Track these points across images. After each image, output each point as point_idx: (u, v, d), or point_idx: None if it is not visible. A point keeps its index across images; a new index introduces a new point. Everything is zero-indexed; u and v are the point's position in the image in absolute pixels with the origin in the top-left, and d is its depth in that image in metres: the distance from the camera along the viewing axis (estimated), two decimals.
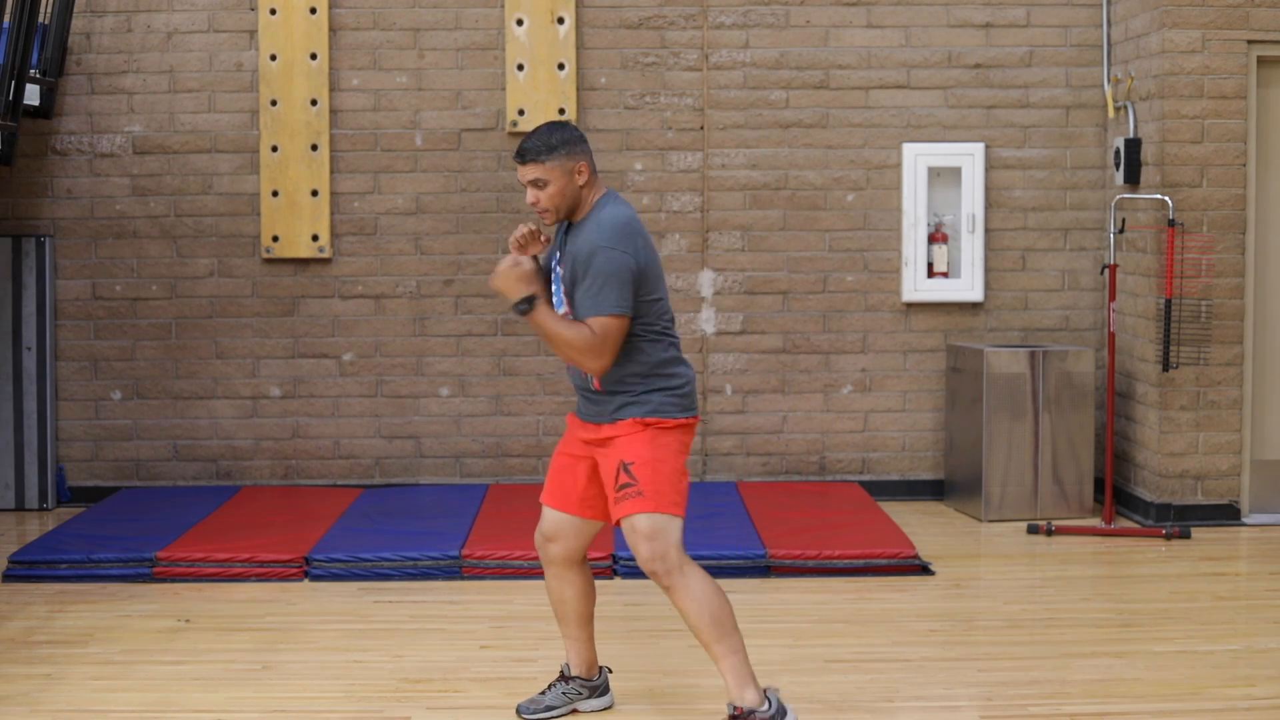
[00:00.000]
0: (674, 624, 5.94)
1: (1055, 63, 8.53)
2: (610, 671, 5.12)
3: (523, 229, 4.67)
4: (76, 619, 6.17)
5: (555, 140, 4.60)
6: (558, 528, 4.82)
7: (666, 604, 6.25)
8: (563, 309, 4.68)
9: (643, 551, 4.56)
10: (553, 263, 4.76)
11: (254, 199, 8.47)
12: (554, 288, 4.73)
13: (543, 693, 4.99)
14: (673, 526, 4.58)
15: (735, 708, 4.56)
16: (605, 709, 5.01)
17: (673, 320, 4.75)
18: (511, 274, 4.57)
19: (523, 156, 4.61)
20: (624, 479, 4.58)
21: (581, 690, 4.97)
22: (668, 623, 6.03)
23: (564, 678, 4.98)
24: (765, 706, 4.56)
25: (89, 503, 8.39)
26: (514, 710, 5.00)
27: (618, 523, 4.65)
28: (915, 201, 8.50)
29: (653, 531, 4.55)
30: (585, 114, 8.45)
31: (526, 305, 4.55)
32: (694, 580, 4.56)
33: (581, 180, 4.64)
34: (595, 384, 4.66)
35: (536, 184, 4.61)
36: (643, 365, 4.64)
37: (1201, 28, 7.67)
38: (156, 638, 5.90)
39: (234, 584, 6.72)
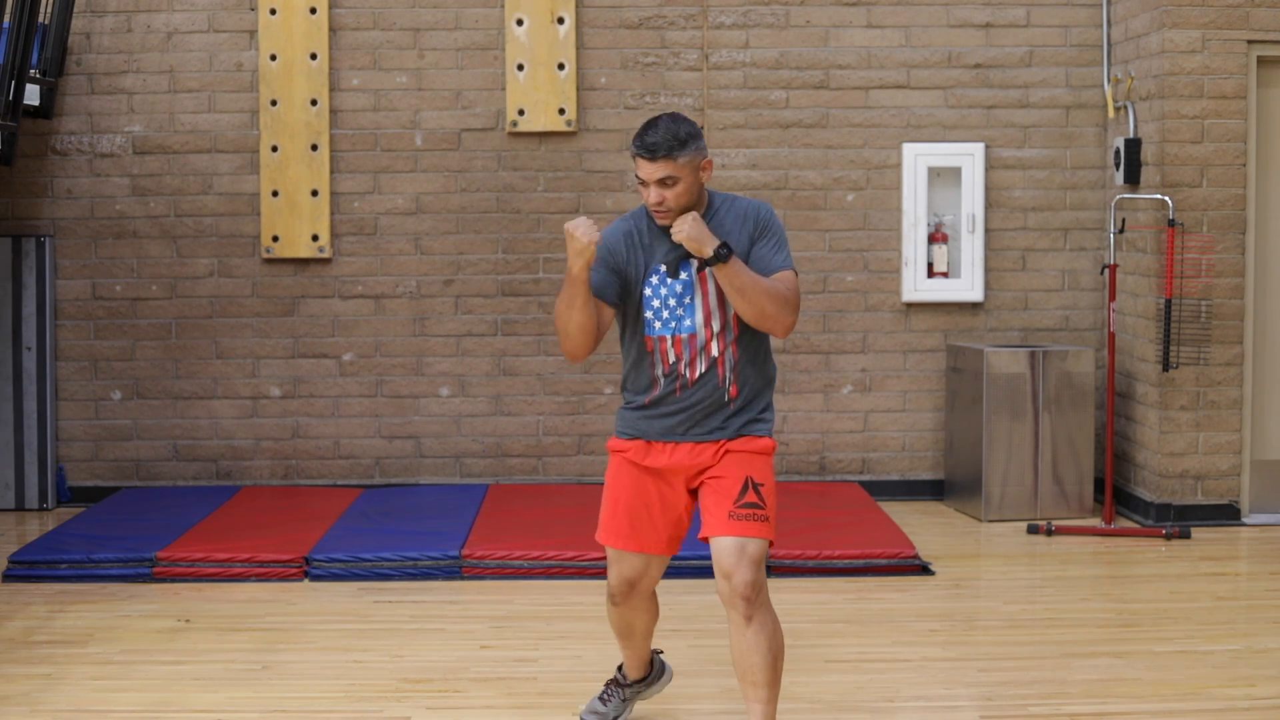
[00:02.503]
0: (674, 624, 5.95)
1: (1055, 63, 8.53)
2: (662, 653, 5.01)
3: (591, 230, 4.22)
4: (76, 619, 6.17)
5: (684, 134, 4.25)
6: (644, 571, 4.50)
7: (666, 604, 6.25)
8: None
9: (747, 576, 4.24)
10: (682, 262, 4.35)
11: (254, 199, 8.47)
12: (688, 293, 4.37)
13: (604, 701, 4.84)
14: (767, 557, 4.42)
15: None
16: (669, 683, 4.98)
17: None
18: (691, 218, 4.19)
19: (653, 152, 4.23)
20: (753, 498, 4.29)
21: (638, 689, 4.89)
22: (668, 623, 6.02)
23: (620, 684, 4.85)
24: None
25: (89, 503, 8.39)
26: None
27: (712, 533, 4.32)
28: (915, 201, 8.50)
29: (761, 558, 4.29)
30: (585, 114, 8.45)
31: (727, 250, 4.16)
32: (773, 616, 4.32)
33: (706, 176, 4.33)
34: (732, 392, 4.38)
35: (665, 182, 4.25)
36: (771, 373, 4.46)
37: (1201, 28, 7.67)
38: (156, 638, 5.90)
39: (234, 584, 6.72)
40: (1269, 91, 7.83)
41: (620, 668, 4.90)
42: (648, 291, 4.39)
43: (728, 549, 4.28)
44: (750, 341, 4.40)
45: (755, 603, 4.25)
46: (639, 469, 4.45)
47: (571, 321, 4.30)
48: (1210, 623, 6.14)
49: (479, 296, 8.49)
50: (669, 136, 4.24)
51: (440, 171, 8.50)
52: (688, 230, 4.21)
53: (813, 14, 8.49)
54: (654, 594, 4.66)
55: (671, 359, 4.39)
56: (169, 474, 8.54)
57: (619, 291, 4.40)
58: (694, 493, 4.49)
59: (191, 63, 8.44)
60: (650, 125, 4.29)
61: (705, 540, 4.38)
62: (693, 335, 4.37)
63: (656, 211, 4.31)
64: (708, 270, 4.32)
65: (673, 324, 4.38)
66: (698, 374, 4.37)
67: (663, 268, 4.36)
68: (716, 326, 4.36)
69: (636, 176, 4.31)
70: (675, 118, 4.30)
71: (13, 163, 8.06)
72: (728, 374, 4.37)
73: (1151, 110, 7.86)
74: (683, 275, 4.36)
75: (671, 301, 4.37)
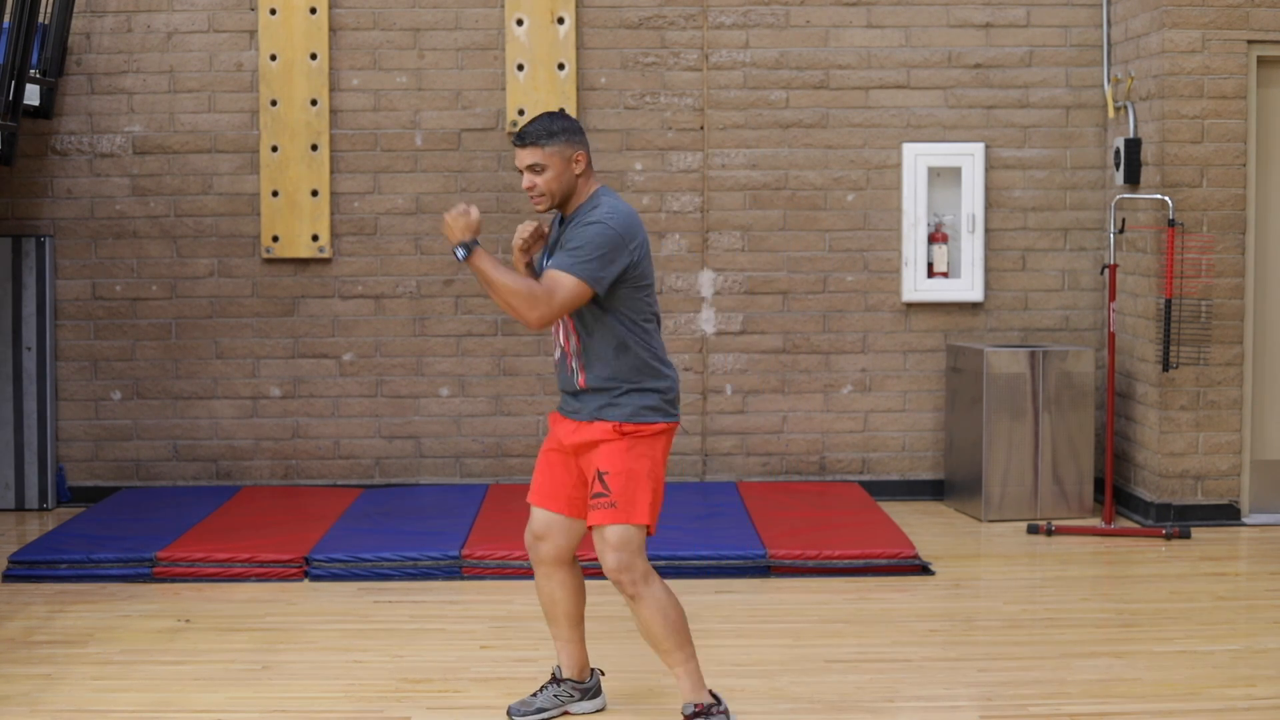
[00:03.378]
0: None
1: (1055, 63, 8.53)
2: (603, 674, 5.12)
3: (529, 227, 4.71)
4: (76, 619, 6.17)
5: (556, 127, 4.64)
6: (547, 527, 4.83)
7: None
8: None
9: (609, 561, 4.62)
10: (544, 259, 4.76)
11: (254, 199, 8.47)
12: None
13: (534, 694, 4.98)
14: (639, 537, 4.64)
15: (695, 705, 4.70)
16: (597, 711, 5.01)
17: (660, 323, 4.77)
18: (460, 220, 4.59)
19: (522, 140, 4.64)
20: (598, 488, 4.64)
21: (573, 693, 4.97)
22: None
23: (556, 680, 4.97)
24: (718, 703, 4.74)
25: (89, 503, 8.39)
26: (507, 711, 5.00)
27: (590, 529, 4.71)
28: (915, 201, 8.50)
29: (620, 543, 4.61)
30: (585, 114, 8.45)
31: (466, 250, 4.56)
32: (658, 590, 4.66)
33: (578, 169, 4.67)
34: (580, 382, 4.69)
35: (534, 169, 4.65)
36: (628, 367, 4.67)
37: (1201, 28, 7.67)
38: (156, 638, 5.90)
39: (234, 584, 6.72)
40: (1269, 91, 7.83)
41: (555, 666, 5.00)
42: None
43: (594, 541, 4.69)
44: (599, 332, 4.66)
45: (632, 582, 4.62)
46: (552, 434, 4.84)
47: (495, 297, 4.69)
48: (1210, 623, 6.14)
49: (479, 296, 8.49)
50: (539, 128, 4.64)
51: (440, 171, 8.50)
52: (444, 226, 4.65)
53: (813, 14, 8.49)
54: (574, 569, 4.89)
55: (557, 341, 4.81)
56: (169, 474, 8.54)
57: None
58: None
59: (191, 63, 8.44)
60: (532, 118, 4.73)
61: None
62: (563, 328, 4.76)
63: (531, 197, 4.70)
64: (549, 261, 4.67)
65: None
66: (557, 357, 4.81)
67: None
68: (564, 316, 4.68)
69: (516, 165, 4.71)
70: (554, 114, 4.72)
71: (13, 163, 8.06)
72: (574, 361, 4.72)
73: (1151, 110, 7.86)
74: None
75: None
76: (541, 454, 4.88)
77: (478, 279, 4.60)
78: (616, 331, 4.66)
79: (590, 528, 4.70)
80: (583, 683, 4.98)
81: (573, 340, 4.71)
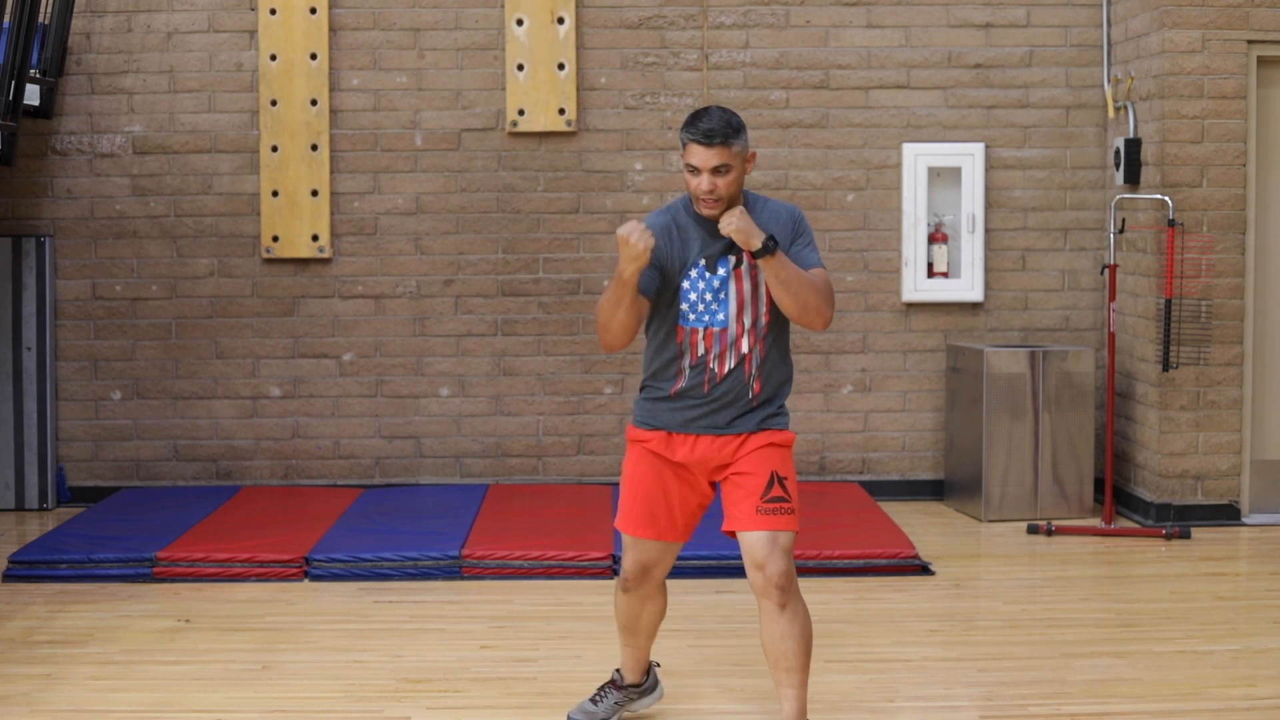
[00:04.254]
0: (674, 624, 5.94)
1: (1055, 63, 8.53)
2: (659, 666, 5.04)
3: (646, 237, 4.24)
4: (76, 619, 6.17)
5: (737, 123, 4.33)
6: (661, 557, 4.57)
7: (669, 606, 6.26)
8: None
9: (780, 565, 4.37)
10: (697, 261, 4.41)
11: (254, 199, 8.47)
12: (724, 289, 4.42)
13: (594, 702, 4.85)
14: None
15: None
16: (658, 699, 4.98)
17: None
18: (738, 213, 4.24)
19: (710, 139, 4.27)
20: (779, 492, 4.42)
21: (632, 695, 4.89)
22: (668, 623, 6.01)
23: (617, 686, 4.86)
24: None
25: (89, 503, 8.39)
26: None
27: (740, 527, 4.43)
28: (915, 201, 8.50)
29: (791, 549, 4.42)
30: (585, 114, 8.45)
31: (774, 243, 4.24)
32: (804, 604, 4.45)
33: (750, 168, 4.41)
34: (756, 389, 4.45)
35: (719, 170, 4.29)
36: (789, 375, 4.54)
37: (1201, 28, 7.67)
38: (156, 638, 5.90)
39: (234, 584, 6.72)
40: (1269, 91, 7.83)
41: (618, 670, 4.90)
42: (686, 285, 4.44)
43: (759, 541, 4.38)
44: (778, 339, 4.49)
45: (789, 591, 4.37)
46: (659, 459, 4.51)
47: (615, 320, 4.39)
48: (1210, 623, 6.14)
49: (479, 296, 8.49)
50: (724, 124, 4.30)
51: (440, 171, 8.50)
52: (736, 223, 4.27)
53: (813, 14, 8.49)
54: (664, 586, 4.71)
55: (700, 351, 4.45)
56: (169, 474, 8.54)
57: (659, 286, 4.46)
58: (714, 484, 4.58)
59: (191, 63, 8.44)
60: (703, 113, 4.33)
61: (731, 534, 4.48)
62: (725, 329, 4.44)
63: (706, 200, 4.34)
64: (743, 267, 4.40)
65: (706, 317, 4.44)
66: (726, 369, 4.44)
67: (702, 262, 4.42)
68: (748, 322, 4.44)
69: (688, 165, 4.34)
70: (725, 109, 4.36)
71: (13, 163, 8.07)
72: (754, 370, 4.46)
73: (1151, 110, 7.86)
74: (720, 270, 4.42)
75: (708, 296, 4.44)
76: (643, 479, 4.52)
77: (772, 277, 4.26)
78: (788, 335, 4.52)
79: (748, 531, 4.39)
80: (640, 685, 4.90)
81: (758, 347, 4.44)
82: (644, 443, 4.55)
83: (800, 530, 4.51)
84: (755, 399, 4.47)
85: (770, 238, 4.26)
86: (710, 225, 4.42)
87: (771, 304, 4.43)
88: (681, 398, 4.49)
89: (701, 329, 4.44)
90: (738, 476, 4.47)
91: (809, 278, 4.33)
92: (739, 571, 6.76)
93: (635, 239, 4.22)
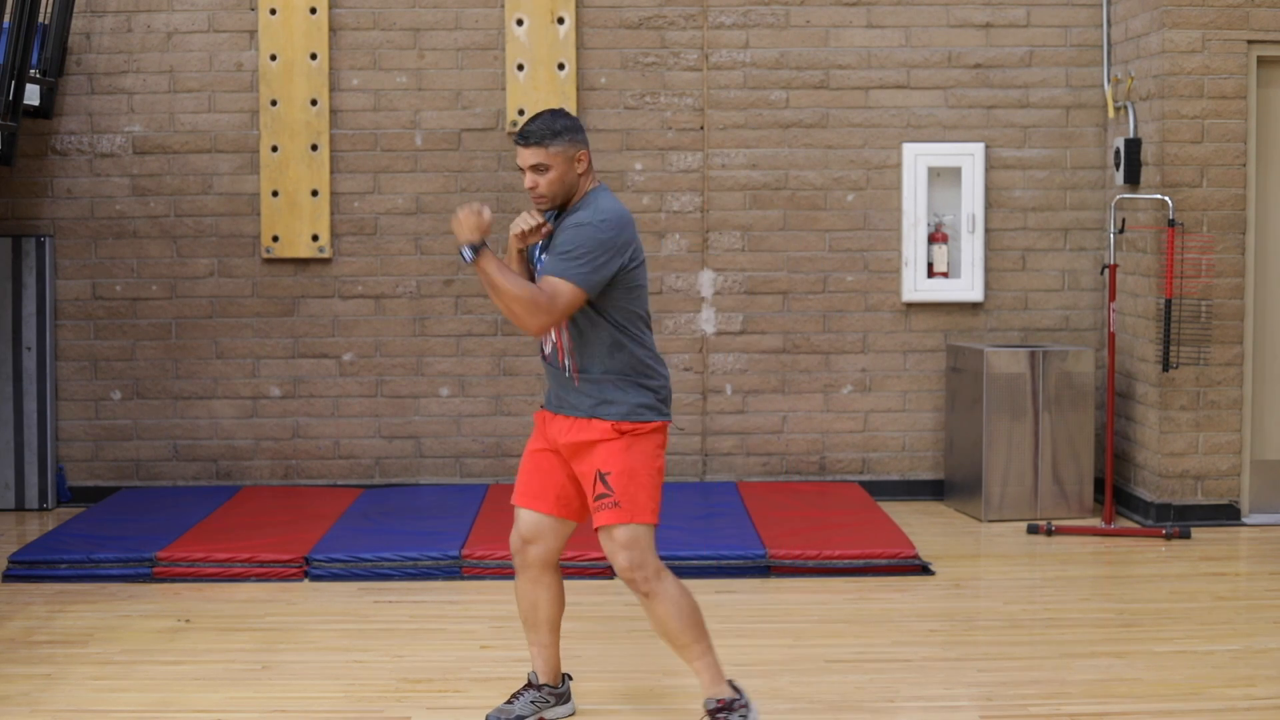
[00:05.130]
0: None
1: (1055, 63, 8.53)
2: (571, 679, 5.05)
3: (529, 220, 4.62)
4: (76, 619, 6.17)
5: (559, 126, 4.59)
6: (536, 529, 4.76)
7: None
8: None
9: (621, 561, 4.60)
10: (536, 250, 4.73)
11: (254, 199, 8.47)
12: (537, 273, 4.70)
13: (510, 701, 4.92)
14: (648, 535, 4.62)
15: (718, 701, 4.66)
16: (569, 716, 4.98)
17: (650, 324, 4.74)
18: (471, 219, 4.50)
19: (526, 139, 4.58)
20: (600, 489, 4.60)
21: (549, 698, 4.92)
22: None
23: (532, 685, 4.91)
24: (739, 696, 4.70)
25: (89, 503, 8.39)
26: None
27: (597, 530, 4.66)
28: (915, 201, 8.50)
29: (629, 541, 4.58)
30: (585, 114, 8.45)
31: (474, 251, 4.48)
32: (670, 586, 4.63)
33: (580, 169, 4.63)
34: (575, 380, 4.66)
35: (538, 169, 4.59)
36: (623, 364, 4.64)
37: (1201, 28, 7.67)
38: (156, 638, 5.90)
39: (234, 584, 6.72)
40: (1269, 91, 7.83)
41: (532, 670, 4.92)
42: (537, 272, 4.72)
43: (602, 542, 4.66)
44: (591, 331, 4.63)
45: (645, 580, 4.60)
46: (542, 435, 4.79)
47: (497, 299, 4.63)
48: (1210, 623, 6.14)
49: (479, 296, 8.49)
50: (543, 127, 4.59)
51: (440, 171, 8.50)
52: (454, 223, 4.53)
53: (813, 14, 8.49)
54: (557, 572, 4.84)
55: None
56: (169, 474, 8.54)
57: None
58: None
59: (191, 63, 8.44)
60: (533, 116, 4.65)
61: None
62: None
63: (532, 196, 4.64)
64: (537, 262, 4.68)
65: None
66: (548, 352, 4.75)
67: (537, 251, 4.71)
68: None
69: (518, 164, 4.66)
70: (556, 112, 4.66)
71: (13, 163, 8.06)
72: (566, 357, 4.69)
73: (1151, 110, 7.86)
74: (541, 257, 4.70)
75: None
76: (528, 454, 4.82)
77: (481, 281, 4.57)
78: (609, 331, 4.63)
79: (596, 529, 4.64)
80: (557, 688, 4.93)
81: (565, 337, 4.66)
82: (539, 414, 4.85)
83: (648, 515, 4.62)
84: (579, 384, 4.67)
85: (470, 244, 4.48)
86: (554, 215, 4.72)
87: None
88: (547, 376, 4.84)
89: None
90: (581, 479, 4.70)
91: (509, 285, 4.48)
92: (740, 572, 6.79)
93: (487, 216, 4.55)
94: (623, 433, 4.62)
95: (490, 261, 4.49)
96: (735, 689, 4.70)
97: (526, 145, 4.59)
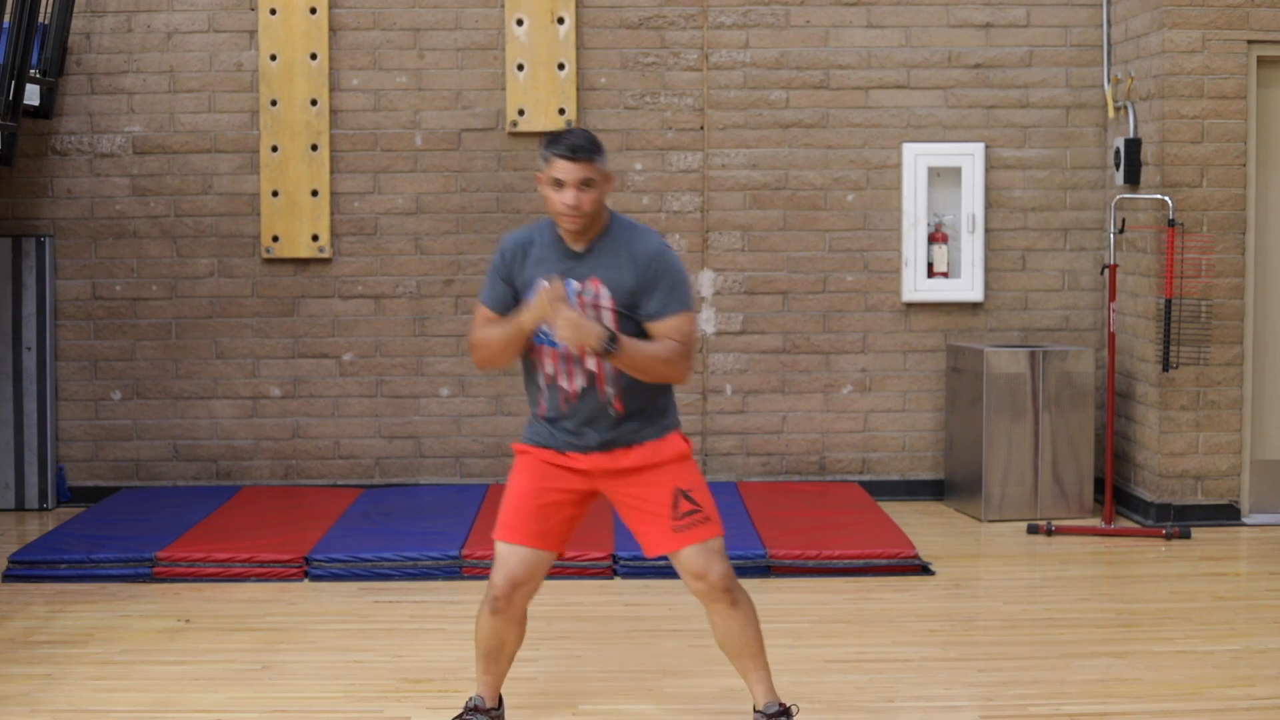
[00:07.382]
0: (674, 624, 5.95)
1: (1055, 63, 8.53)
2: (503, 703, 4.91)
3: (556, 288, 4.32)
4: (76, 619, 6.17)
5: (599, 142, 4.47)
6: (534, 568, 4.53)
7: (666, 604, 6.27)
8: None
9: (720, 570, 4.49)
10: (537, 278, 4.46)
11: (254, 199, 8.47)
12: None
13: None
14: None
15: (779, 704, 4.64)
16: None
17: None
18: (573, 315, 4.26)
19: (575, 154, 4.37)
20: (687, 506, 4.47)
21: (498, 714, 4.78)
22: (668, 623, 6.03)
23: (480, 710, 4.72)
24: (788, 705, 4.71)
25: (89, 503, 8.39)
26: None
27: (664, 550, 4.50)
28: (915, 201, 8.50)
29: (722, 550, 4.54)
30: (585, 114, 8.45)
31: (614, 343, 4.26)
32: (745, 592, 4.60)
33: (609, 190, 4.51)
34: (617, 406, 4.45)
35: (587, 184, 4.38)
36: (659, 385, 4.53)
37: (1201, 28, 7.67)
38: (156, 638, 5.90)
39: (234, 584, 6.72)
40: (1269, 91, 7.83)
41: (478, 695, 4.73)
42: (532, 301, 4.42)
43: (692, 555, 4.48)
44: None
45: (735, 588, 4.54)
46: (551, 473, 4.52)
47: (504, 355, 4.49)
48: (1210, 623, 6.14)
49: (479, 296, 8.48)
50: (589, 140, 4.41)
51: (440, 171, 8.50)
52: (569, 336, 4.27)
53: (813, 14, 8.49)
54: (525, 614, 4.65)
55: (550, 370, 4.48)
56: (169, 474, 8.54)
57: (511, 305, 4.52)
58: (596, 494, 4.58)
59: (191, 63, 8.45)
60: (565, 132, 4.45)
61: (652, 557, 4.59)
62: (567, 349, 4.43)
63: (569, 214, 4.39)
64: (585, 295, 4.41)
65: (547, 335, 4.45)
66: (577, 387, 4.47)
67: (544, 281, 4.39)
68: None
69: (552, 180, 4.40)
70: (586, 130, 4.52)
71: (13, 163, 8.07)
72: (609, 388, 4.45)
73: (1151, 110, 7.86)
74: (575, 286, 4.43)
75: None
76: (525, 494, 4.52)
77: (623, 368, 4.33)
78: None
79: (682, 547, 4.46)
80: (498, 710, 4.78)
81: (606, 366, 4.41)
82: (530, 454, 4.57)
83: (722, 529, 4.57)
84: (621, 416, 4.47)
85: (610, 337, 4.26)
86: (565, 247, 4.48)
87: (619, 325, 4.41)
88: (551, 421, 4.53)
89: (546, 346, 4.47)
90: (639, 504, 4.51)
91: (658, 352, 4.33)
92: (739, 571, 6.72)
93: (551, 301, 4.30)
94: (683, 451, 4.54)
95: (630, 342, 4.31)
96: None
97: (575, 159, 4.37)
